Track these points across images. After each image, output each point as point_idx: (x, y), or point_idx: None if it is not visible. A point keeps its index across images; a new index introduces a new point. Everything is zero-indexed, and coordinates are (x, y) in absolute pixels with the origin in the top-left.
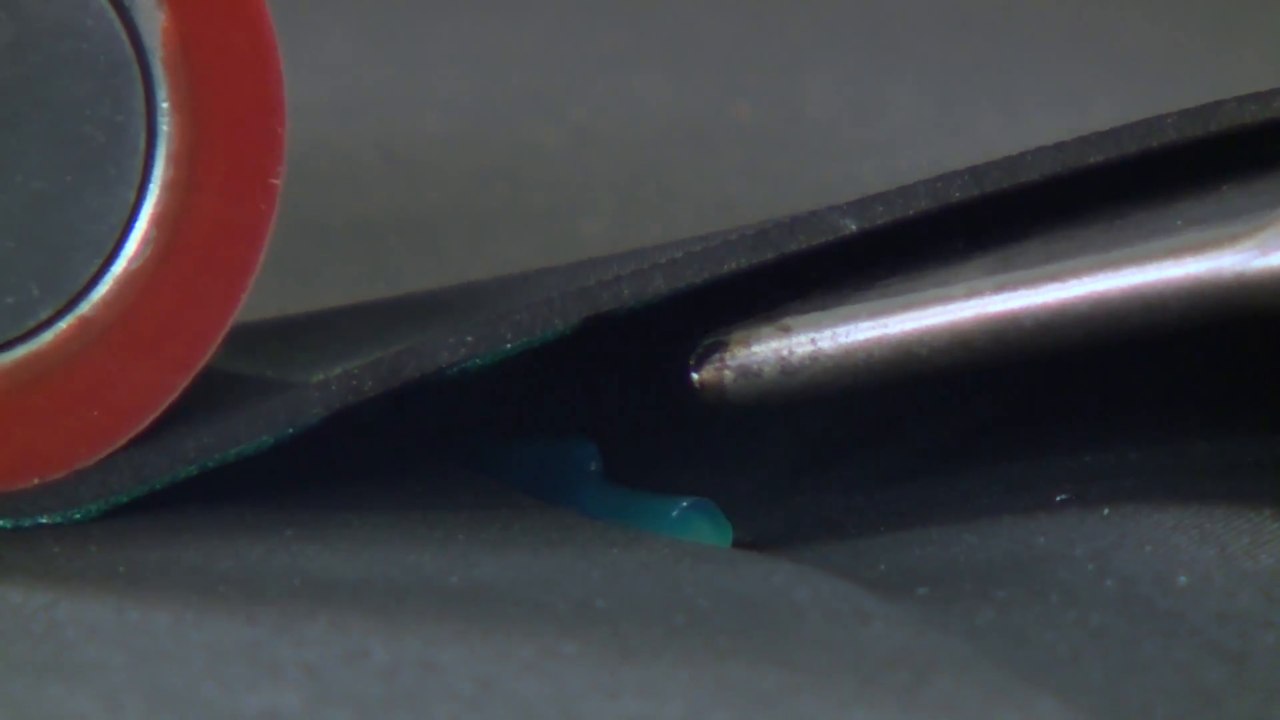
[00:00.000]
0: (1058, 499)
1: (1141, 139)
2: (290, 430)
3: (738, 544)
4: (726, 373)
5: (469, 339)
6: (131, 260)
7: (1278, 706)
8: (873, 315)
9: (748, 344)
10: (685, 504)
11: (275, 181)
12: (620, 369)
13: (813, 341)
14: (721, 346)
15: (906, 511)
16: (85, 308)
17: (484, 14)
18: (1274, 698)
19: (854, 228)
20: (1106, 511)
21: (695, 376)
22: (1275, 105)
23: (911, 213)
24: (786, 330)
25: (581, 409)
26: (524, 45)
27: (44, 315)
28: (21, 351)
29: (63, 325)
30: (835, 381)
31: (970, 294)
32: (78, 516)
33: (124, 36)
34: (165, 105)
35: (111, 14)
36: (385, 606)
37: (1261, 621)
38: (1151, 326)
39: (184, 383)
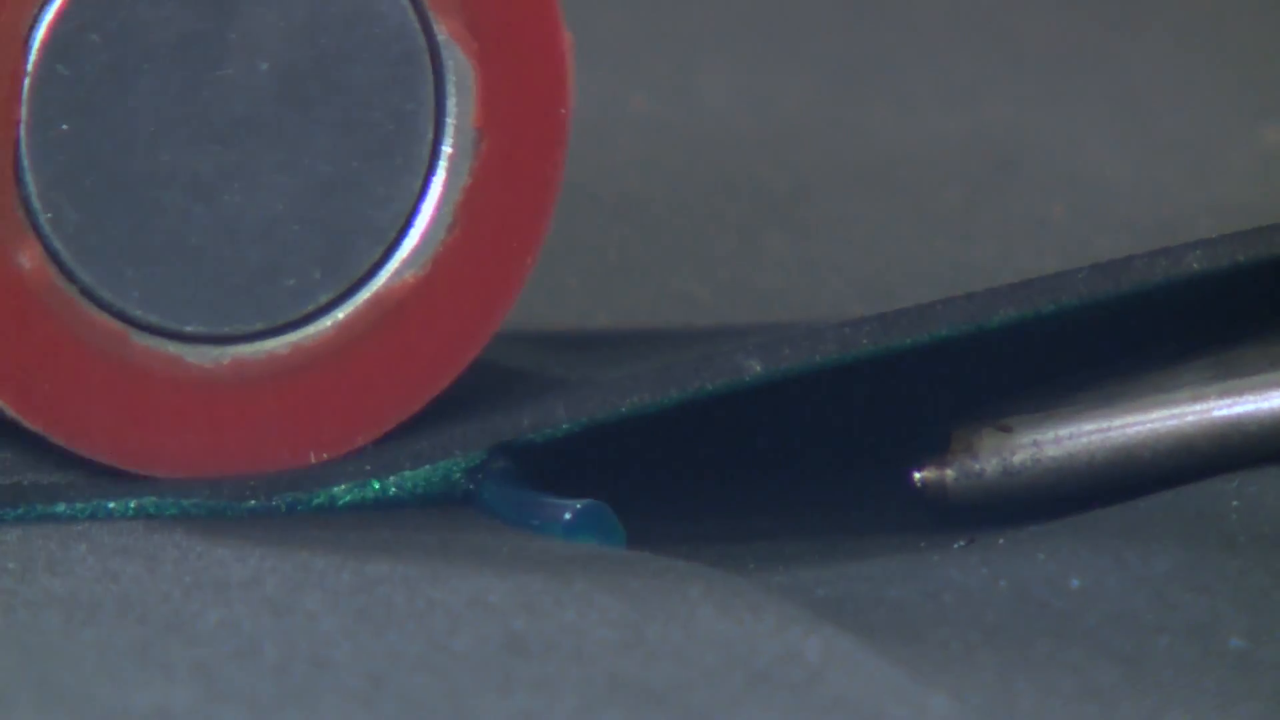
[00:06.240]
0: (955, 546)
1: (1053, 292)
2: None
3: (631, 548)
4: (948, 473)
5: (367, 467)
6: (414, 250)
7: (1171, 709)
8: (1095, 418)
9: (969, 444)
10: (579, 505)
11: (557, 176)
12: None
13: (1035, 443)
14: (943, 446)
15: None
16: (366, 295)
17: None
18: (1167, 700)
19: (759, 369)
20: (1002, 541)
21: (917, 476)
22: (1186, 260)
23: (818, 357)
24: (1008, 430)
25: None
26: None
27: (323, 300)
28: (299, 334)
29: (342, 311)
30: (1058, 483)
31: (1195, 398)
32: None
33: (416, 25)
34: (453, 96)
35: (405, 1)
36: (276, 604)
37: (1154, 625)
38: None
39: (454, 375)
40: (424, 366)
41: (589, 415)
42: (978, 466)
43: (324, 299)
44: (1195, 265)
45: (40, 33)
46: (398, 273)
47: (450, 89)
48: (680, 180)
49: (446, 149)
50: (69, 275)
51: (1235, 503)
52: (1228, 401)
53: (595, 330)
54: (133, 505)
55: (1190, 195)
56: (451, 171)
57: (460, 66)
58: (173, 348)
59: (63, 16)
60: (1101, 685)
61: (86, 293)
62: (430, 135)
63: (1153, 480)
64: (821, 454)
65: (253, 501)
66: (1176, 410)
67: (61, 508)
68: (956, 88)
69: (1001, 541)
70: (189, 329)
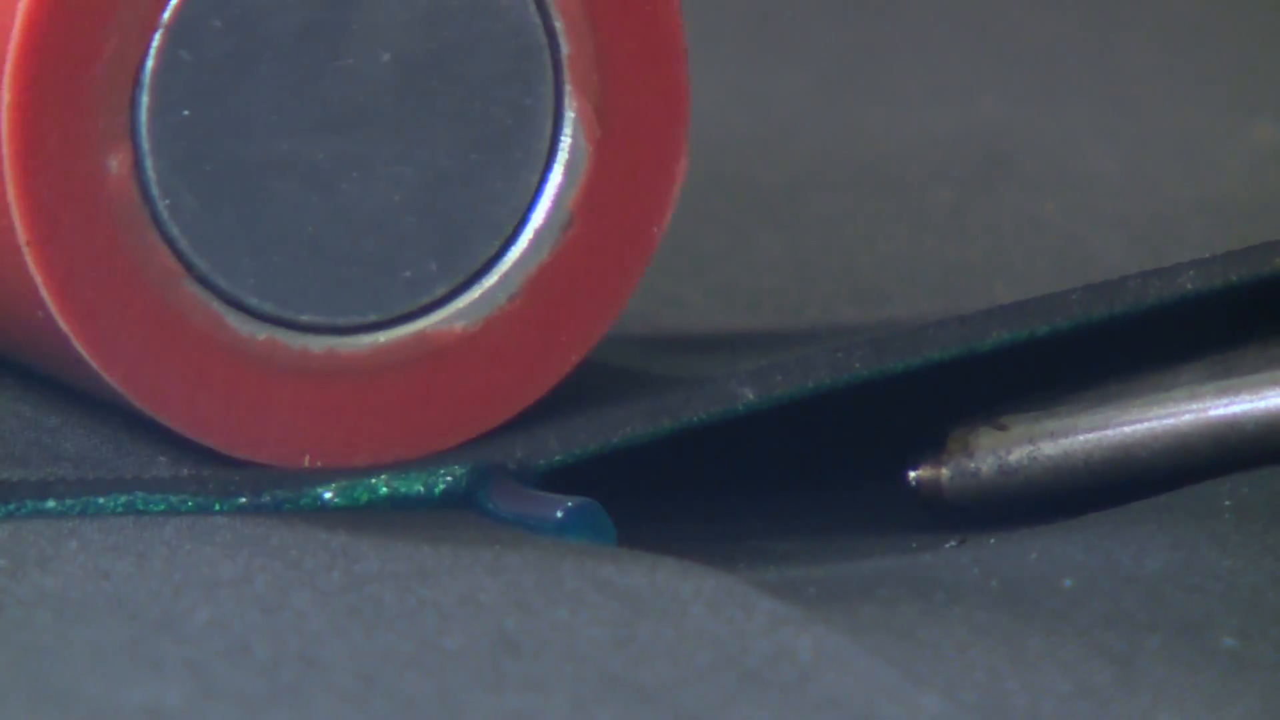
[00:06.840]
0: (947, 545)
1: (1046, 314)
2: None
3: (623, 547)
4: (943, 471)
5: (347, 483)
6: (530, 245)
7: (1163, 708)
8: (1093, 417)
9: (964, 443)
10: (570, 503)
11: (676, 178)
12: None
13: (1031, 442)
14: (938, 445)
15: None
16: (481, 289)
17: None
18: (1160, 699)
19: (752, 396)
20: (993, 541)
21: (912, 475)
22: (1180, 281)
23: (810, 384)
24: (1004, 429)
25: None
26: None
27: (439, 293)
28: (415, 326)
29: (457, 304)
30: (1054, 483)
31: (1192, 397)
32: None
33: (537, 20)
34: (573, 92)
35: None
36: (266, 602)
37: (1147, 624)
38: None
39: (564, 372)
40: (536, 362)
41: (581, 446)
42: (973, 465)
43: (440, 292)
44: (1189, 285)
45: (166, 16)
46: (515, 267)
47: (569, 85)
48: None
49: (564, 146)
50: (175, 249)
51: (1227, 502)
52: (1224, 401)
53: None
54: (122, 501)
55: (1182, 192)
56: (569, 168)
57: (581, 65)
58: (277, 333)
59: (187, 2)
60: (1094, 684)
61: (190, 269)
62: (549, 132)
63: (1150, 480)
64: (815, 452)
65: (241, 499)
66: (1173, 409)
67: (52, 504)
68: (948, 86)
69: (993, 541)
70: (295, 316)
